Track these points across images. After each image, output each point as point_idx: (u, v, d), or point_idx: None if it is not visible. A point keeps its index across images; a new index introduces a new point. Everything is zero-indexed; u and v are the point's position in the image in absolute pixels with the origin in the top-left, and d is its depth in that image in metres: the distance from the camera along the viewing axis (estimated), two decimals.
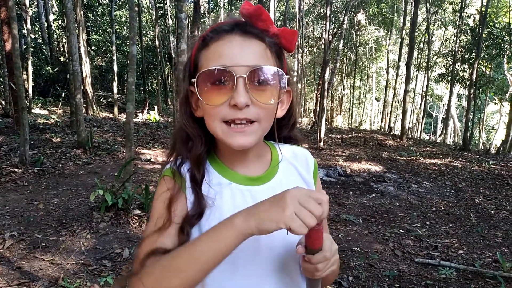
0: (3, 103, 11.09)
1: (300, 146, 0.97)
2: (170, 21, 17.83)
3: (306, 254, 0.73)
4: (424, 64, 19.74)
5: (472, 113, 13.58)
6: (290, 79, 0.86)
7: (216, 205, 0.80)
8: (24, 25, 13.59)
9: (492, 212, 5.84)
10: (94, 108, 13.86)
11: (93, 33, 19.31)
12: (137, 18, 16.84)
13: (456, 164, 9.38)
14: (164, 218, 0.79)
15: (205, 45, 0.78)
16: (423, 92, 21.14)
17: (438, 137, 25.61)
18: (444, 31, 21.47)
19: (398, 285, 3.43)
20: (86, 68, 13.33)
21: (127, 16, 18.43)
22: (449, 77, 15.90)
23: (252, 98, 0.75)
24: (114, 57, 15.65)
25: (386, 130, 19.85)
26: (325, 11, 12.98)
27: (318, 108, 14.12)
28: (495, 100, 17.87)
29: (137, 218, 4.56)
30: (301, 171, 0.92)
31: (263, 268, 0.82)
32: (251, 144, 0.78)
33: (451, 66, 15.67)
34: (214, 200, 0.80)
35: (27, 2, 12.85)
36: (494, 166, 9.22)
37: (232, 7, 21.47)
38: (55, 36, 18.82)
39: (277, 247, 0.82)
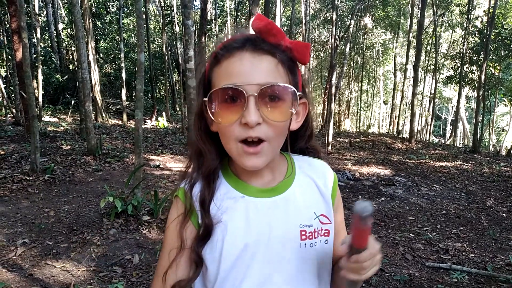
0: (14, 111, 11.25)
1: (319, 159, 0.96)
2: (177, 28, 17.97)
3: (351, 254, 0.72)
4: (432, 67, 19.61)
5: (481, 115, 13.44)
6: (306, 91, 0.85)
7: (227, 220, 0.81)
8: (34, 34, 13.81)
9: (504, 214, 5.77)
10: (103, 115, 13.99)
11: (102, 41, 19.54)
12: (145, 25, 16.98)
13: (466, 167, 9.29)
14: (177, 246, 0.83)
15: (217, 62, 0.78)
16: (431, 95, 21.00)
17: (448, 139, 25.35)
18: (452, 33, 21.34)
19: None
20: (95, 76, 13.47)
21: (135, 24, 18.60)
22: (458, 79, 15.77)
23: (263, 116, 0.75)
24: (123, 65, 15.79)
25: (395, 133, 19.73)
26: (331, 15, 13.00)
27: (325, 112, 14.10)
28: (505, 101, 17.67)
29: (146, 224, 4.59)
30: (319, 183, 0.90)
31: (278, 276, 0.82)
32: (263, 165, 0.79)
33: (459, 68, 15.55)
34: (221, 218, 0.81)
35: (37, 11, 13.04)
36: (505, 168, 9.11)
37: (239, 13, 21.56)
38: (64, 44, 19.09)
39: (291, 255, 0.83)
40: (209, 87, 0.80)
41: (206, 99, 0.78)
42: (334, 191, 0.92)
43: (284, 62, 0.78)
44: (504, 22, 14.31)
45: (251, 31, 0.83)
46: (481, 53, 13.30)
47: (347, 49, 14.66)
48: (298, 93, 0.79)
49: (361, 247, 0.71)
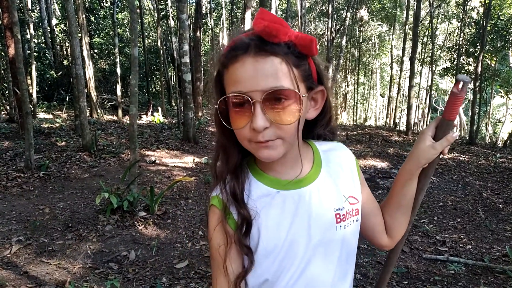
0: (8, 108, 11.16)
1: (335, 142, 1.00)
2: (172, 23, 17.83)
3: (442, 129, 0.88)
4: (428, 59, 19.61)
5: (478, 107, 13.44)
6: (324, 78, 0.86)
7: (266, 216, 0.85)
8: (27, 30, 13.68)
9: (500, 206, 5.77)
10: (98, 111, 13.90)
11: (96, 36, 19.38)
12: (139, 20, 16.87)
13: (463, 158, 9.30)
14: (224, 243, 0.86)
15: (225, 66, 0.79)
16: (428, 87, 21.01)
17: None
18: (448, 24, 21.31)
19: (407, 282, 3.40)
20: (90, 72, 13.37)
21: (129, 18, 18.45)
22: (454, 71, 15.77)
23: (271, 120, 0.76)
24: (117, 60, 15.67)
25: (391, 125, 19.75)
26: (327, 8, 12.94)
27: None
28: (501, 93, 17.66)
29: (142, 220, 4.56)
30: (344, 166, 0.94)
31: (320, 260, 0.87)
32: (278, 156, 0.81)
33: (456, 60, 15.54)
34: (259, 214, 0.84)
35: (30, 7, 12.91)
36: (502, 160, 9.13)
37: (234, 7, 21.44)
38: (58, 40, 18.93)
39: (329, 239, 0.87)
40: (222, 88, 0.82)
41: (216, 106, 0.82)
42: (358, 169, 0.97)
43: (289, 60, 0.77)
44: (500, 13, 14.29)
45: (248, 26, 0.81)
46: (478, 44, 13.27)
47: (343, 42, 14.63)
48: (315, 85, 0.83)
49: (452, 119, 0.85)
